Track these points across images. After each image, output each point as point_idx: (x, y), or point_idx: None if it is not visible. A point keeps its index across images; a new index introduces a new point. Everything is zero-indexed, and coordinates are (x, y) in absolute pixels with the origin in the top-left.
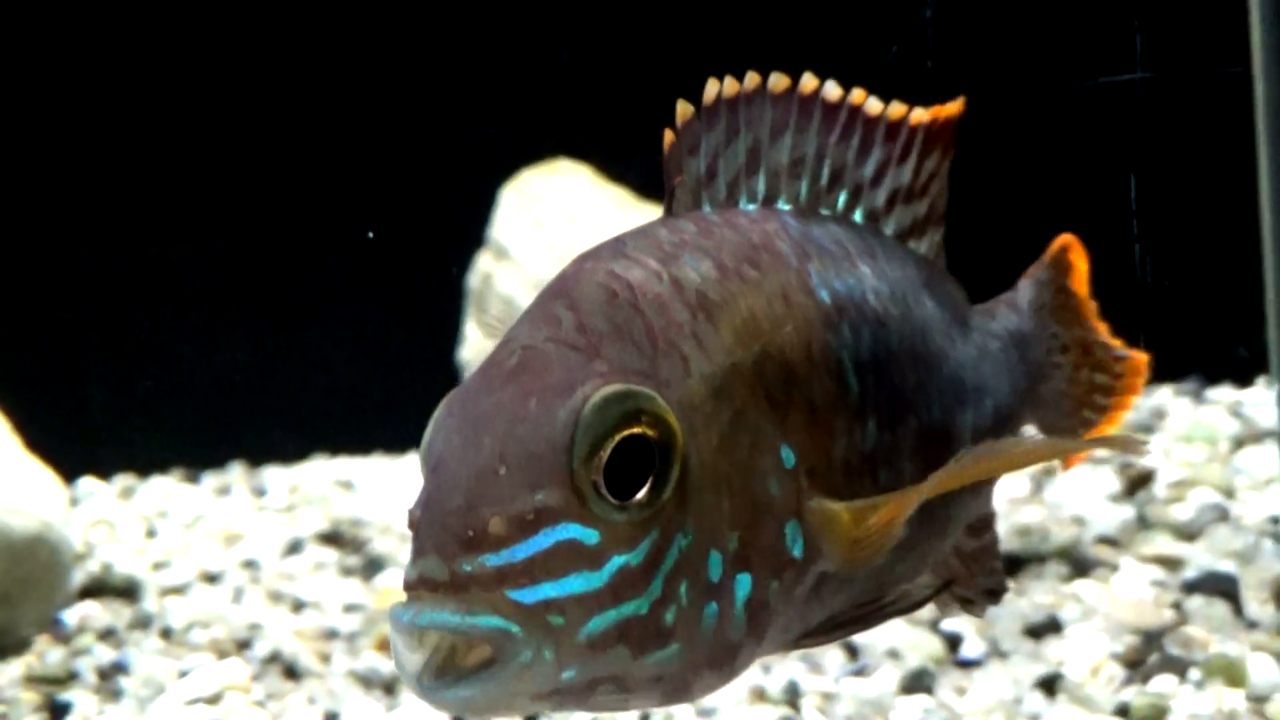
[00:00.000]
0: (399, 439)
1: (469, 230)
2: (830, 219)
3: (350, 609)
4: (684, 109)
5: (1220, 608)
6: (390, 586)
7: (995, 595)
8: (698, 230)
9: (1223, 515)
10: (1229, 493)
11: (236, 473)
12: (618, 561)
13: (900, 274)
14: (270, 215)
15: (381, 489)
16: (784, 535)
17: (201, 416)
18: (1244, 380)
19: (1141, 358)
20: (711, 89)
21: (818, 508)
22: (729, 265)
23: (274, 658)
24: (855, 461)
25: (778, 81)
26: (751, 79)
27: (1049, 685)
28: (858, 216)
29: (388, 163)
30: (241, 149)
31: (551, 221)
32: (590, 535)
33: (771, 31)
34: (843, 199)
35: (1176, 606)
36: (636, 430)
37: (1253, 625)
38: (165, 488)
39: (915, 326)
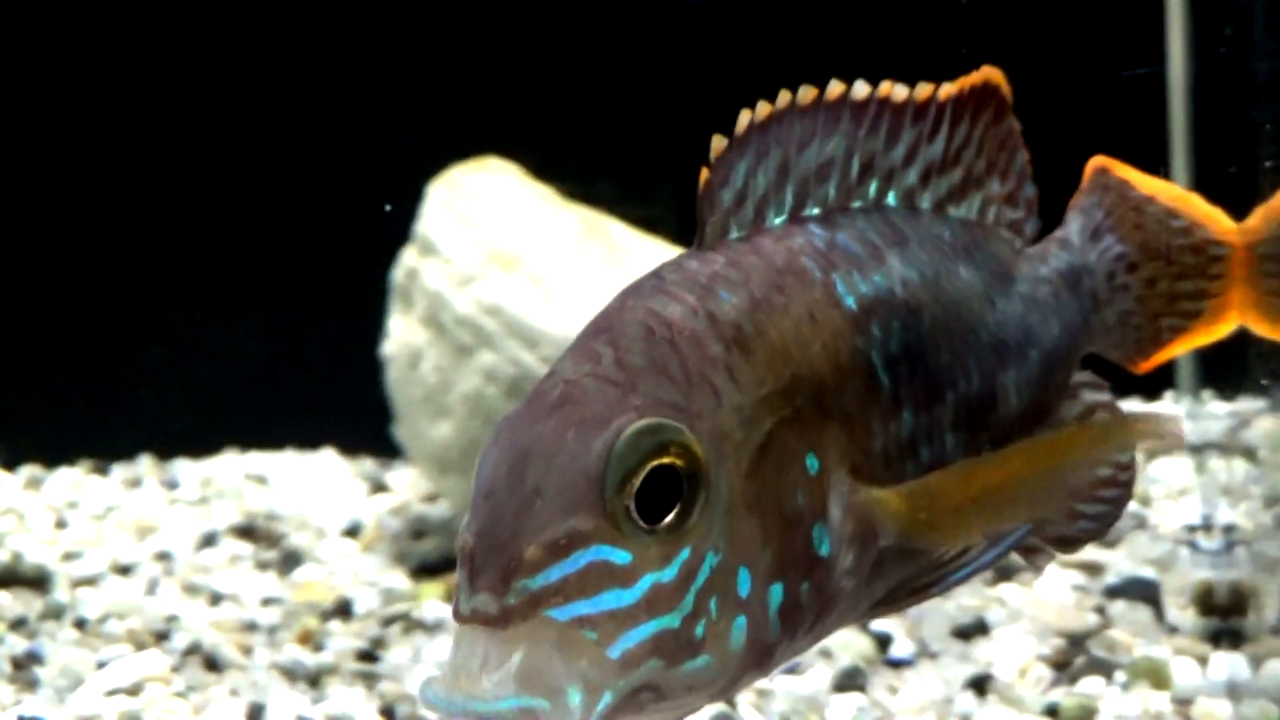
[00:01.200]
0: (312, 435)
1: (394, 226)
2: (859, 212)
3: (269, 602)
4: (718, 143)
5: (1143, 612)
6: (309, 580)
7: (1072, 544)
8: (727, 261)
9: (1141, 523)
10: (1145, 501)
11: (146, 465)
12: (649, 579)
13: (933, 252)
14: (189, 204)
15: (295, 484)
16: (811, 539)
17: (109, 408)
18: (1152, 394)
19: (1243, 241)
20: (744, 118)
21: (864, 498)
22: (758, 295)
23: (194, 649)
24: (894, 450)
25: (806, 95)
26: (782, 98)
27: (979, 685)
28: (891, 199)
29: (313, 157)
30: (164, 138)
31: (480, 218)
32: (622, 556)
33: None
34: (874, 186)
35: (1100, 611)
36: (666, 460)
37: (1173, 630)
38: (73, 478)
39: (948, 304)
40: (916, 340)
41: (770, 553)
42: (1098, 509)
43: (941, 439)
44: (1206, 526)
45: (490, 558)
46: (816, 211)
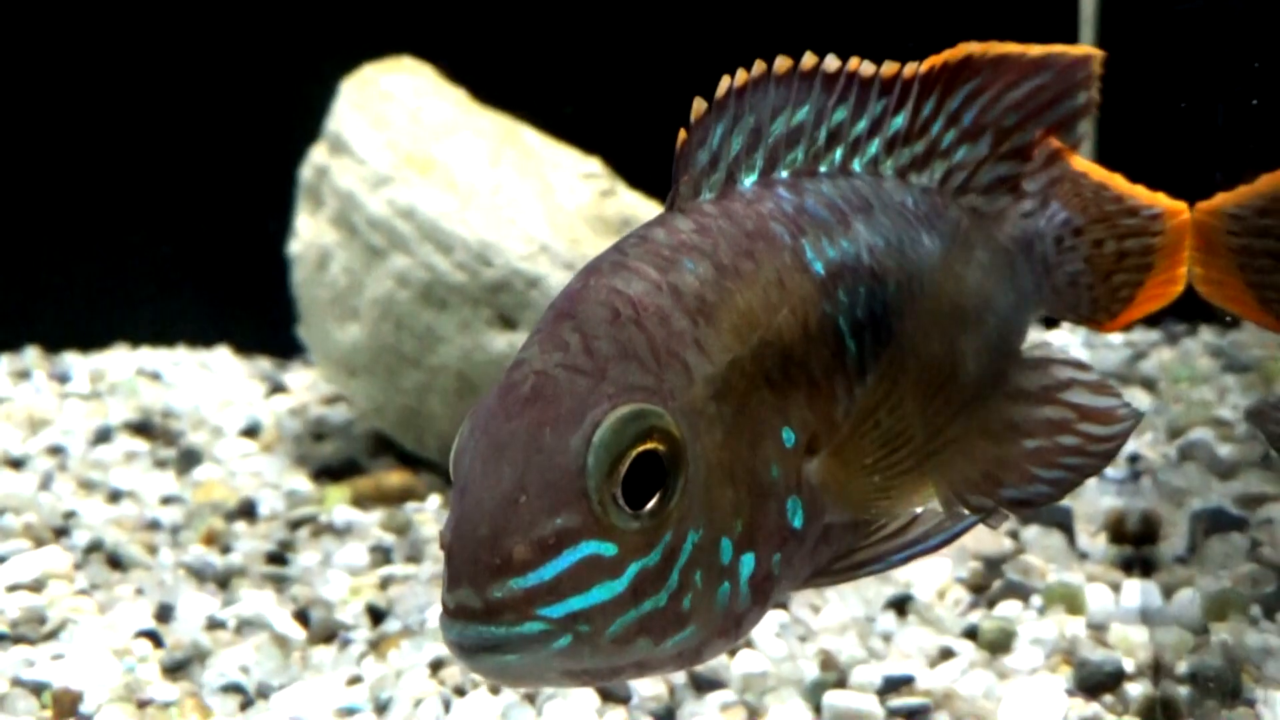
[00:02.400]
0: (206, 332)
1: (302, 121)
2: (826, 178)
3: (169, 501)
4: (699, 106)
5: (1056, 539)
6: (209, 480)
7: (1025, 505)
8: (695, 227)
9: None
10: None
11: (33, 357)
12: (636, 567)
13: (897, 219)
14: (85, 94)
15: (190, 382)
16: (785, 511)
17: None
18: (1050, 323)
19: (1175, 207)
20: (723, 83)
21: (811, 469)
22: (725, 263)
23: (95, 547)
24: None
25: (781, 64)
26: (758, 67)
27: (900, 606)
28: (856, 166)
29: (219, 52)
30: (61, 25)
31: (394, 119)
32: (609, 548)
33: None
34: (840, 153)
35: (1014, 536)
36: (648, 446)
37: (1084, 556)
38: None
39: (911, 270)
40: (881, 306)
41: (743, 523)
42: (1056, 474)
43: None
44: None
45: (473, 554)
46: (785, 175)
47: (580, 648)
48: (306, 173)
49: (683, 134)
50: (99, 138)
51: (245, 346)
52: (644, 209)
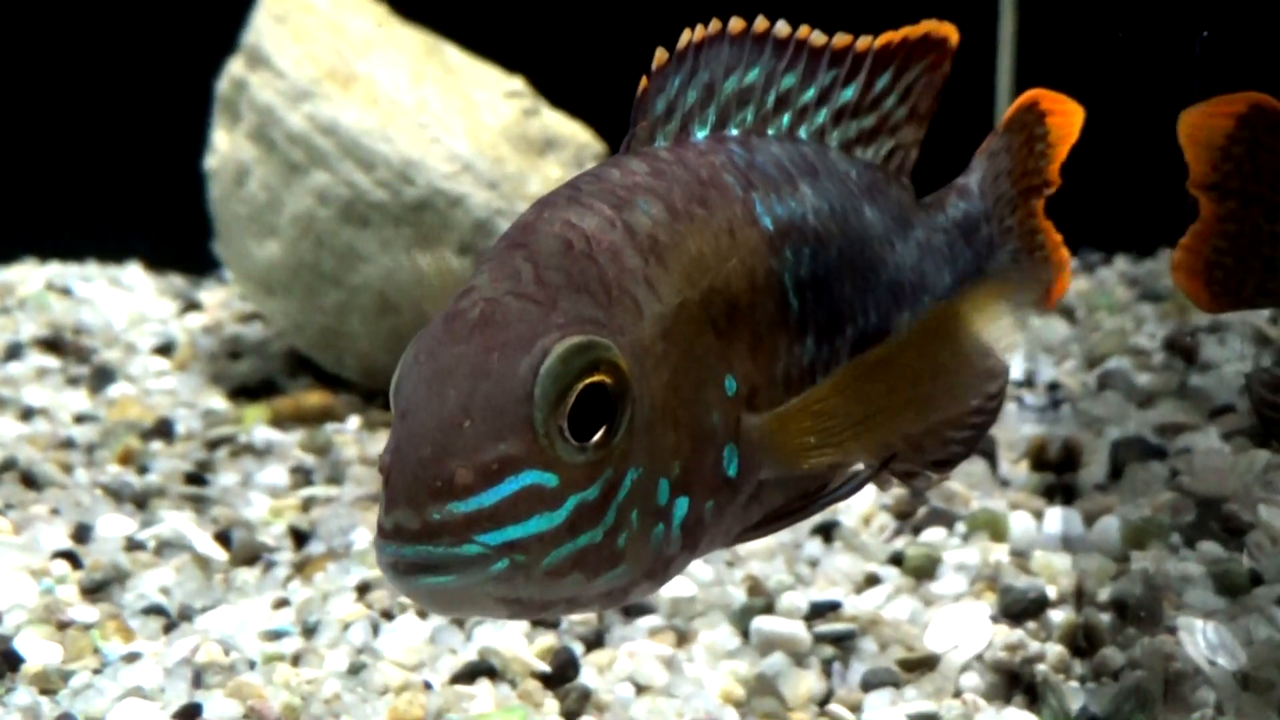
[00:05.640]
0: (116, 247)
1: (219, 33)
2: (775, 139)
3: (83, 420)
4: (661, 56)
5: (979, 466)
6: (124, 398)
7: (945, 465)
8: (649, 170)
9: None
10: None
11: None
12: (575, 500)
13: (841, 188)
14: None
15: (101, 297)
16: (722, 459)
17: None
18: None
19: (1065, 257)
20: (684, 36)
21: (750, 423)
22: (679, 206)
23: (9, 465)
24: (795, 374)
25: (735, 25)
26: (714, 24)
27: (826, 533)
28: (803, 133)
29: None
30: None
31: (315, 32)
32: (550, 479)
33: None
34: (787, 119)
35: None
36: (596, 379)
37: (1006, 484)
38: None
39: (854, 239)
40: (824, 269)
41: (681, 466)
42: (966, 434)
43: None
44: (1029, 383)
45: (413, 475)
46: (735, 133)
47: (515, 575)
48: (223, 86)
49: (644, 81)
50: (4, 48)
51: (157, 262)
52: (568, 129)
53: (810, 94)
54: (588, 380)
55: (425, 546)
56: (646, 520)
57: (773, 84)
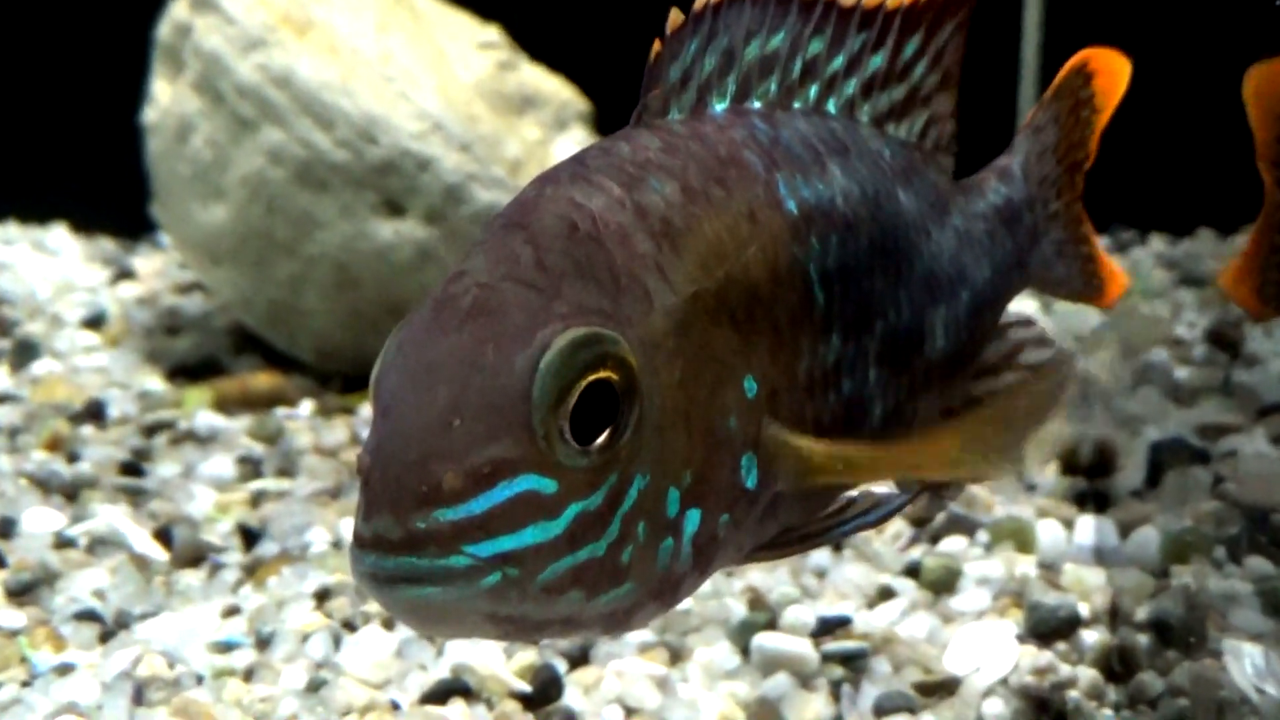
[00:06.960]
0: (39, 208)
1: None
2: (801, 113)
3: (4, 400)
4: (675, 17)
5: None
6: (50, 376)
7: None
8: (663, 146)
9: None
10: None
11: None
12: (575, 509)
13: (873, 169)
14: None
15: (23, 263)
16: (739, 468)
17: None
18: None
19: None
20: None
21: (776, 436)
22: (695, 186)
23: None
24: (819, 374)
25: None
26: None
27: (836, 541)
28: (831, 107)
29: None
30: None
31: None
32: (548, 485)
33: None
34: (814, 91)
35: None
36: (602, 375)
37: (1033, 488)
38: None
39: (886, 226)
40: (853, 259)
41: (693, 475)
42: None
43: (865, 372)
44: None
45: (395, 479)
46: (758, 106)
47: (507, 590)
48: (165, 31)
49: (657, 45)
50: None
51: (85, 225)
52: (548, 86)
53: (839, 62)
54: (592, 377)
55: (408, 558)
56: (654, 534)
57: (799, 50)
